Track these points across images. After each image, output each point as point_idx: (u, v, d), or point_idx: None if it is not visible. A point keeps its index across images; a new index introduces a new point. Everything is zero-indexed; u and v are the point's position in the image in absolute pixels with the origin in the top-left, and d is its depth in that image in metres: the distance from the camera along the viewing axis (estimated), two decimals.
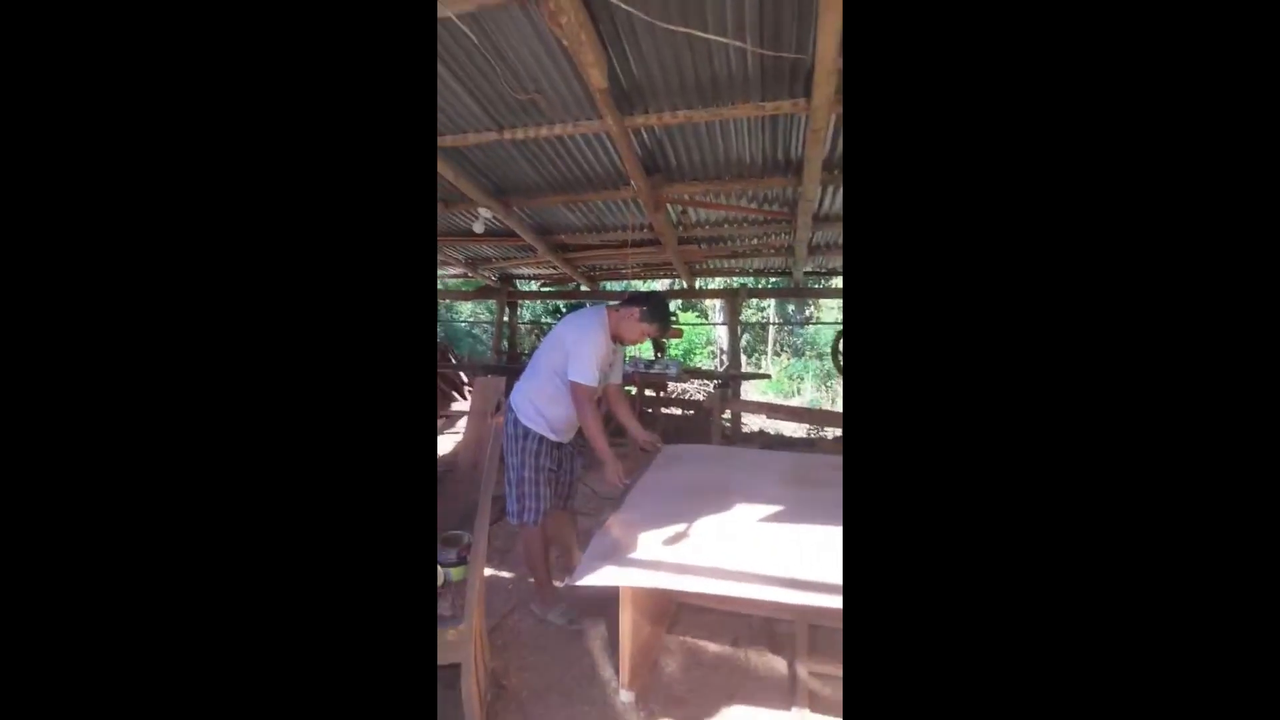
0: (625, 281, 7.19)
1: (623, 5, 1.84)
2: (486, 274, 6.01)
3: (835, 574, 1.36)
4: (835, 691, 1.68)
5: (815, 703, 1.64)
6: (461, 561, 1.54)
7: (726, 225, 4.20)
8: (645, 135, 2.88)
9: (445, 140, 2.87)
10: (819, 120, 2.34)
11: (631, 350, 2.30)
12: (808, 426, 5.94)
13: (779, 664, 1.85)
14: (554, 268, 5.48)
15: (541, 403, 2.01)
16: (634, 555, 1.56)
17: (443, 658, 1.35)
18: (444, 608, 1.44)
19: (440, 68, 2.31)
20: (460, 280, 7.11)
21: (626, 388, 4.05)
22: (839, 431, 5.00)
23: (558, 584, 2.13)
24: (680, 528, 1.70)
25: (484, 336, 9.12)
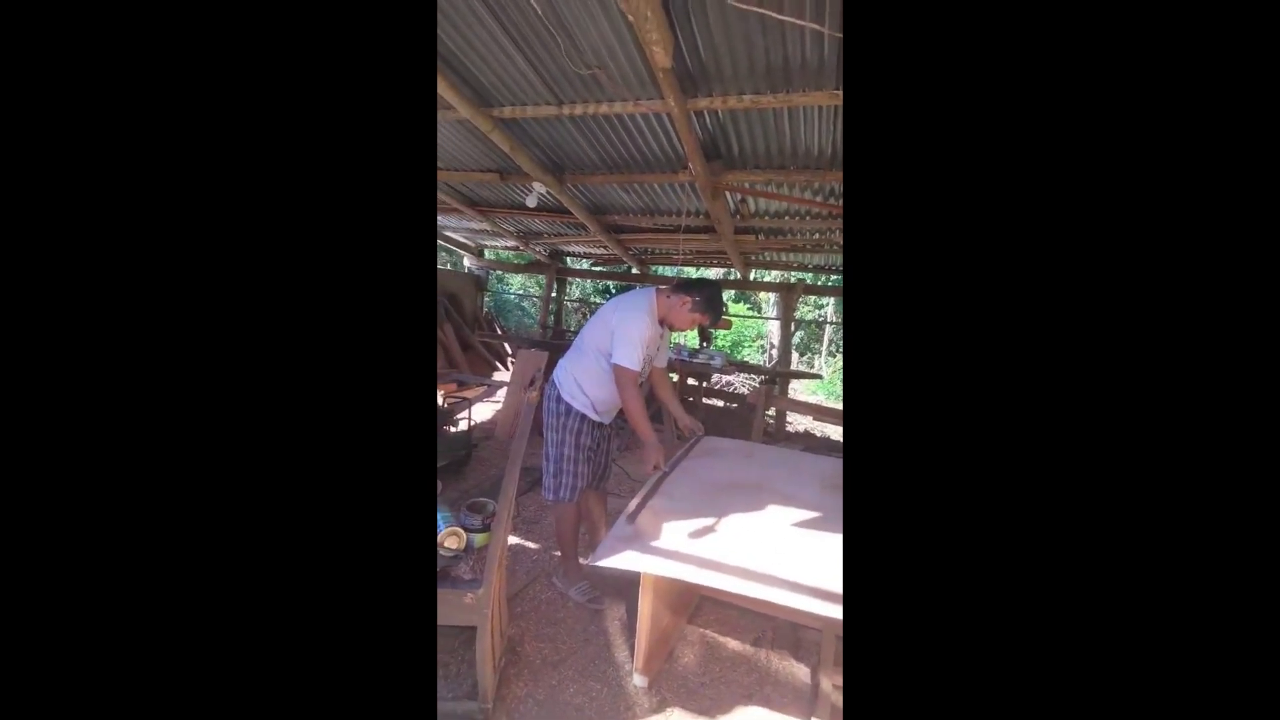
0: (676, 267, 7.11)
1: None
2: (537, 249, 6.08)
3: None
4: None
5: (836, 717, 1.58)
6: (485, 528, 1.56)
7: (787, 217, 4.06)
8: (708, 119, 2.79)
9: (504, 111, 2.88)
10: None
11: (676, 337, 2.25)
12: None
13: (801, 671, 1.80)
14: (604, 248, 5.47)
15: (586, 382, 1.99)
16: (657, 543, 1.53)
17: (460, 620, 1.38)
18: (464, 571, 1.46)
19: (501, 35, 2.30)
20: (512, 253, 7.23)
21: (669, 374, 4.01)
22: None
23: (583, 562, 2.14)
24: (709, 521, 1.66)
25: (531, 310, 9.27)
